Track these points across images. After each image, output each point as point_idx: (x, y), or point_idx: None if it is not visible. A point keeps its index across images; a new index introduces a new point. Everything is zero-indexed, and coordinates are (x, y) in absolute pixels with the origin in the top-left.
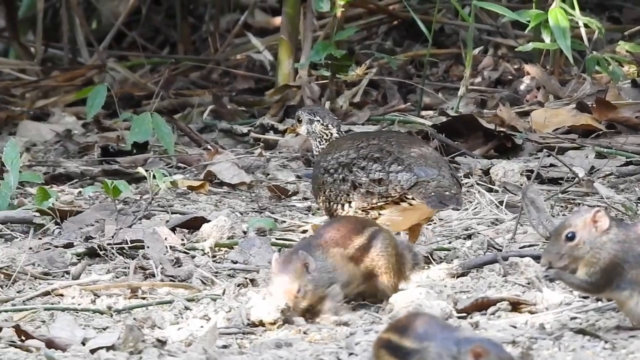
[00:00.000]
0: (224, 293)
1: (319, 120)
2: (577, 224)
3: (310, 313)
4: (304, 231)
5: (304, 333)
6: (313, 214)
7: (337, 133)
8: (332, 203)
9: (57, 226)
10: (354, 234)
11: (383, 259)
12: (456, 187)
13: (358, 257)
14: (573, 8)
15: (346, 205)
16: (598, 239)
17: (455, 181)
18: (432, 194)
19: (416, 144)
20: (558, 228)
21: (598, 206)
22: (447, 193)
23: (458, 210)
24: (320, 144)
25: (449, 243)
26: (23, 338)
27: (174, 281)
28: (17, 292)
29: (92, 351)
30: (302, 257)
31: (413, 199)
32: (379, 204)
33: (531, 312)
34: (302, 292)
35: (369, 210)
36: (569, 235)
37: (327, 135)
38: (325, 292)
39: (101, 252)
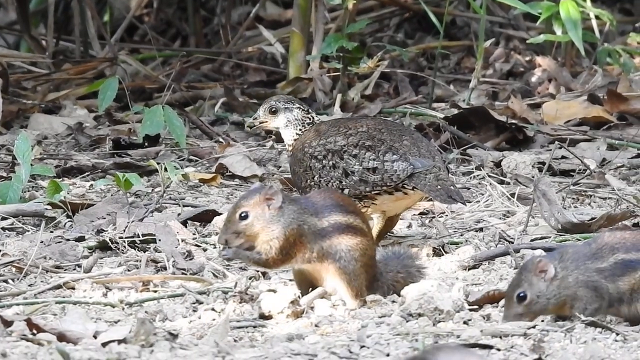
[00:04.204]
0: (235, 286)
1: (298, 107)
2: (526, 282)
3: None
4: None
5: (316, 326)
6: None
7: (316, 117)
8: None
9: (69, 219)
10: (339, 209)
11: (338, 257)
12: (452, 180)
13: (328, 232)
14: (584, 0)
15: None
16: (550, 287)
17: (447, 170)
18: (439, 187)
19: (406, 132)
20: (508, 290)
21: (543, 249)
22: (452, 187)
23: (465, 205)
24: (298, 131)
25: (461, 236)
26: (34, 331)
27: (185, 274)
28: (29, 285)
29: (104, 344)
30: (271, 191)
31: (413, 188)
32: (372, 193)
33: None
34: (250, 219)
35: (362, 198)
36: (521, 295)
37: (309, 120)
38: (272, 233)
39: (113, 245)
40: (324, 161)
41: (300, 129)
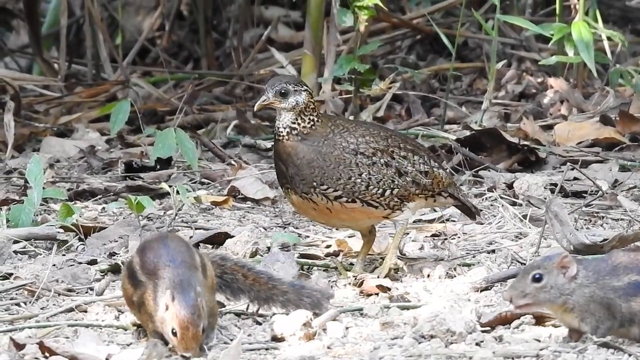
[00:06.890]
0: (247, 308)
1: (306, 90)
2: (546, 267)
3: None
4: (328, 246)
5: (328, 348)
6: (337, 229)
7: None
8: (371, 187)
9: (81, 242)
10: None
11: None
12: None
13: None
14: (596, 21)
15: (387, 191)
16: (566, 285)
17: None
18: (469, 198)
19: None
20: (526, 267)
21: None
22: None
23: (476, 220)
24: (303, 119)
25: (473, 257)
26: (47, 354)
27: None
28: (41, 308)
29: None
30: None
31: (449, 195)
32: (419, 195)
33: (555, 326)
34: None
35: (402, 200)
36: (537, 277)
37: (312, 105)
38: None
39: None
40: (373, 158)
41: (302, 116)
